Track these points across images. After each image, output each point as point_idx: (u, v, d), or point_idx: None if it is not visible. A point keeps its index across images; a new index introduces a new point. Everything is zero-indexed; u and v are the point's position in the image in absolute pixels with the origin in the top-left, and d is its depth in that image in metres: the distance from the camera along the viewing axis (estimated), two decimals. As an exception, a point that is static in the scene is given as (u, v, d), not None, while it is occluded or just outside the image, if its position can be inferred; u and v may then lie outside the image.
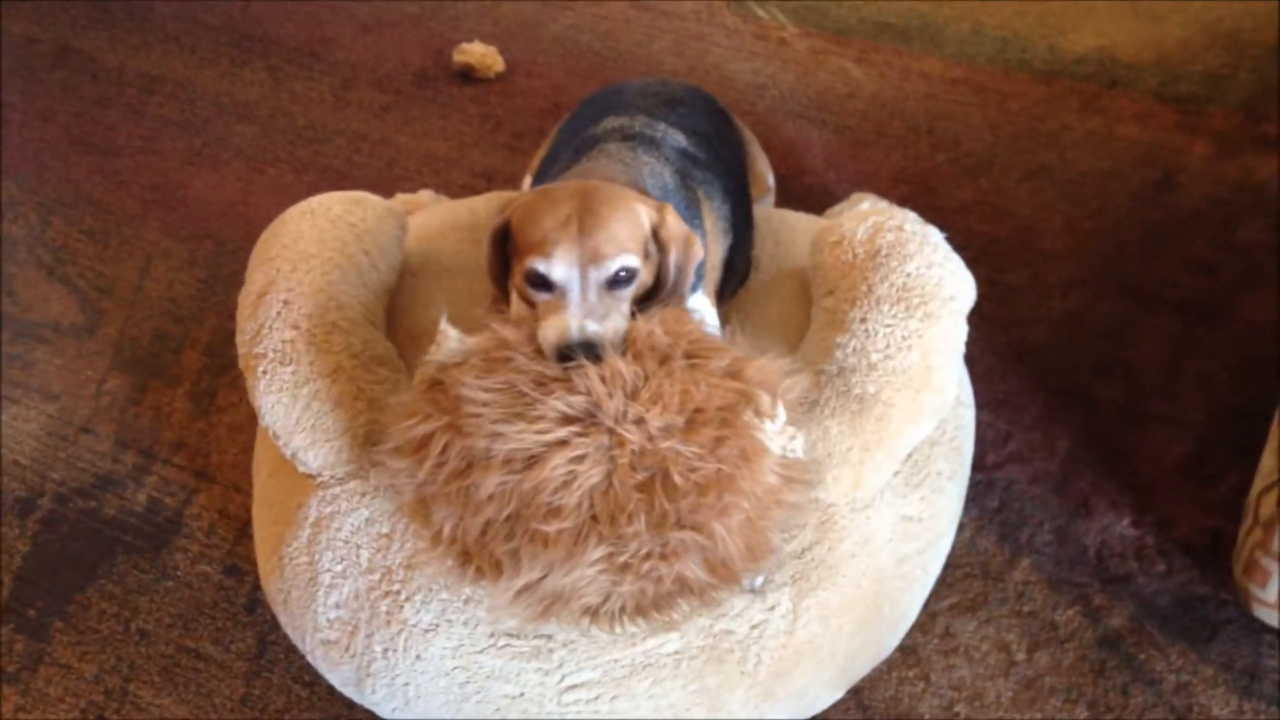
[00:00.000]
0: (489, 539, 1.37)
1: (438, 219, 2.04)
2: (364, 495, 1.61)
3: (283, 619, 1.69)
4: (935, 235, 1.69)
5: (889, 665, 1.73)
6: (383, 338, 1.72)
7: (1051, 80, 2.56)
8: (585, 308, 1.39)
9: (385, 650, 1.55)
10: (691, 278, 1.53)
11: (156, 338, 2.30)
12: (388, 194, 2.18)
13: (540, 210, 1.44)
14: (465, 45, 2.76)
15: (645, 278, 1.47)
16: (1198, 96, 2.48)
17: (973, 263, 1.71)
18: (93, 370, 2.27)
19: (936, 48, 2.67)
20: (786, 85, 2.64)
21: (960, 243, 1.73)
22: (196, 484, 2.06)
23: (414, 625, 1.54)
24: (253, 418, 2.00)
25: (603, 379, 1.35)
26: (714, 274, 1.71)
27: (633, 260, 1.42)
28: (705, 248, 1.66)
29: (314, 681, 1.78)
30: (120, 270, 2.44)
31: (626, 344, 1.40)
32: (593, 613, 1.38)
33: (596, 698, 1.50)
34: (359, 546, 1.59)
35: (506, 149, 2.58)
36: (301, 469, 1.65)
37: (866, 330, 1.60)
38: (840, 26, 2.75)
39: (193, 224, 2.52)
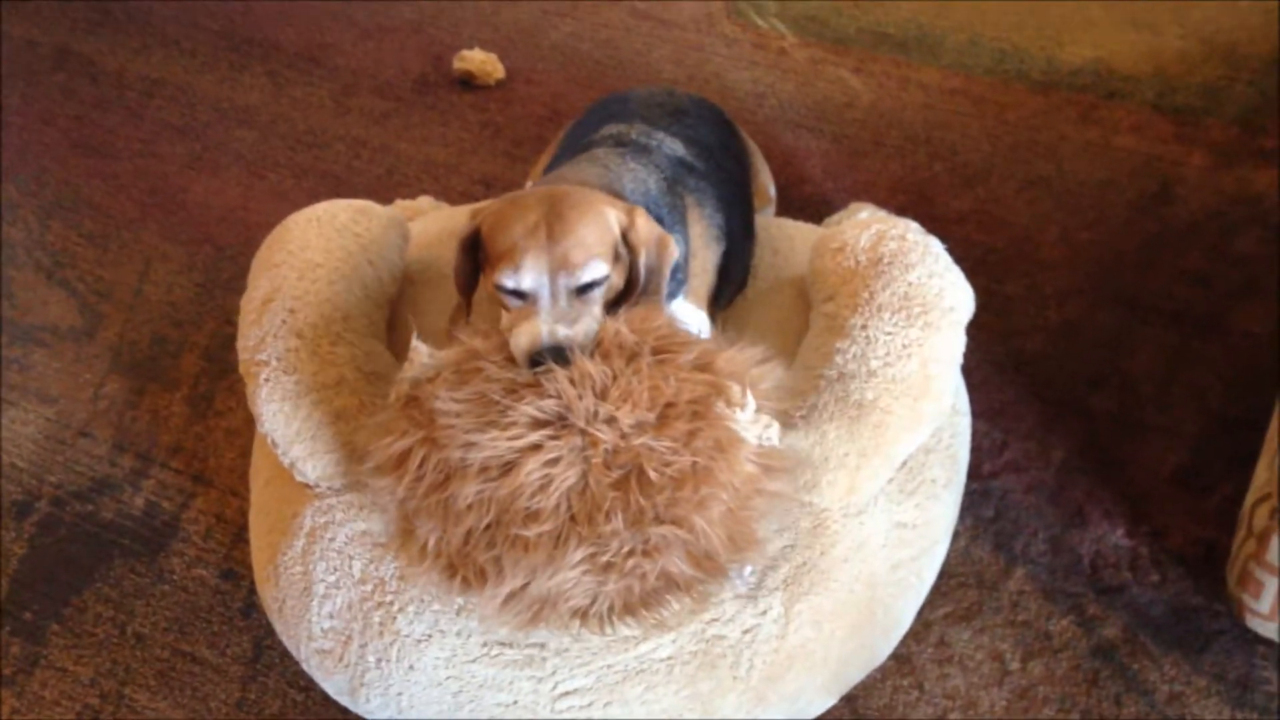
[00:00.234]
0: (471, 548, 1.38)
1: (437, 226, 2.04)
2: (360, 508, 1.61)
3: (278, 627, 1.70)
4: (937, 245, 1.70)
5: (883, 673, 1.73)
6: (385, 350, 1.73)
7: (1049, 91, 2.57)
8: (556, 313, 1.41)
9: (379, 660, 1.56)
10: (666, 279, 1.54)
11: (155, 341, 2.31)
12: (387, 200, 2.19)
13: (509, 218, 1.45)
14: (465, 52, 2.77)
15: (616, 281, 1.48)
16: (1195, 108, 2.49)
17: (970, 272, 1.72)
18: (91, 374, 2.27)
19: (935, 58, 2.68)
20: (785, 94, 2.65)
21: (957, 252, 1.74)
22: (193, 488, 2.06)
23: (407, 636, 1.54)
24: (250, 422, 2.00)
25: (572, 381, 1.36)
26: (704, 279, 1.72)
27: (601, 265, 1.44)
28: (689, 253, 1.67)
29: (309, 686, 1.78)
30: (119, 274, 2.45)
31: (594, 345, 1.41)
32: (582, 614, 1.39)
33: (589, 704, 1.51)
34: (352, 557, 1.59)
35: (506, 156, 2.59)
36: (299, 478, 1.66)
37: (867, 337, 1.61)
38: (839, 36, 2.76)
39: (192, 228, 2.52)
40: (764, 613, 1.54)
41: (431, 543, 1.41)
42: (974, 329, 1.71)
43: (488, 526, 1.37)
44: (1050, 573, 1.82)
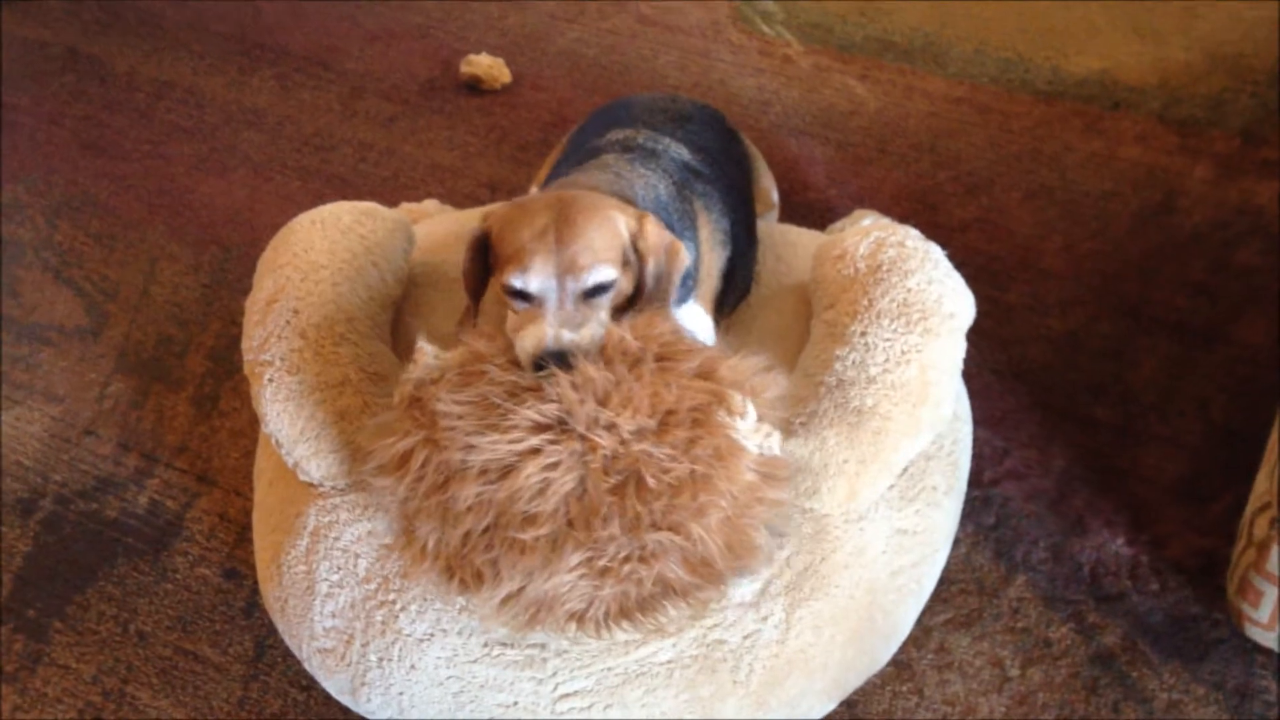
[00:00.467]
0: (469, 550, 1.38)
1: (442, 229, 2.05)
2: (365, 507, 1.62)
3: (280, 626, 1.70)
4: (936, 252, 1.71)
5: (883, 679, 1.73)
6: (388, 351, 1.73)
7: (1054, 101, 2.58)
8: (562, 317, 1.41)
9: (380, 659, 1.56)
10: (676, 285, 1.54)
11: (160, 341, 2.32)
12: (393, 203, 2.20)
13: (518, 221, 1.46)
14: (472, 56, 2.78)
15: (624, 286, 1.48)
16: (1199, 120, 2.50)
17: (972, 281, 1.72)
18: (96, 373, 2.28)
19: (940, 67, 2.69)
20: (790, 101, 2.65)
21: (960, 261, 1.75)
22: (198, 487, 2.07)
23: (409, 635, 1.55)
24: (254, 423, 2.01)
25: (574, 386, 1.37)
26: (710, 284, 1.73)
27: (609, 270, 1.44)
28: (699, 258, 1.68)
29: (311, 685, 1.79)
30: (125, 274, 2.46)
31: (598, 350, 1.42)
32: (578, 618, 1.39)
33: (590, 706, 1.51)
34: (357, 556, 1.60)
35: (512, 160, 2.60)
36: (303, 478, 1.66)
37: (866, 344, 1.61)
38: (844, 44, 2.77)
39: (199, 229, 2.54)
40: (765, 618, 1.54)
41: (431, 544, 1.42)
42: (976, 337, 1.71)
43: (486, 529, 1.38)
44: (1050, 580, 1.83)
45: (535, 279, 1.42)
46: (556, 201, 1.47)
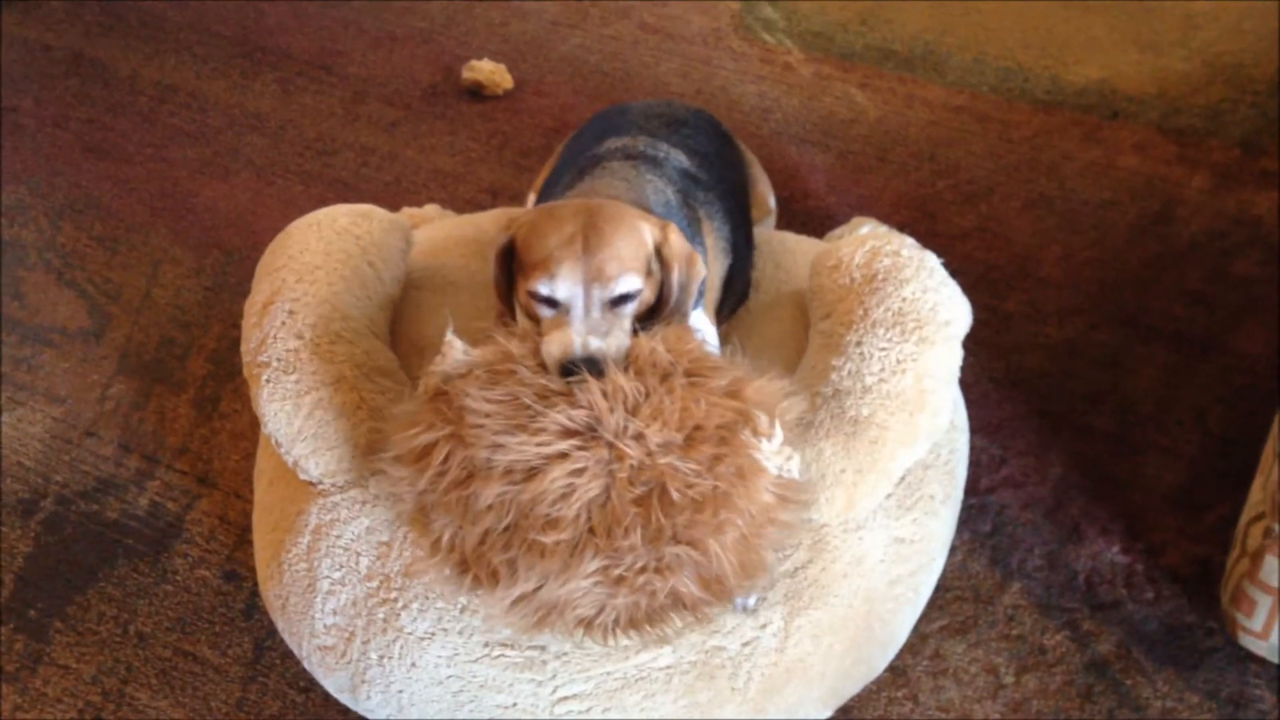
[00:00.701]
0: (487, 548, 1.39)
1: (443, 233, 2.06)
2: (363, 504, 1.62)
3: (280, 624, 1.71)
4: (932, 260, 1.70)
5: (878, 685, 1.74)
6: (385, 349, 1.74)
7: (1053, 110, 2.59)
8: (588, 324, 1.42)
9: (381, 657, 1.57)
10: (694, 296, 1.55)
11: (162, 344, 2.33)
12: (394, 207, 2.21)
13: (545, 228, 1.46)
14: (475, 62, 2.79)
15: (648, 295, 1.49)
16: (1198, 129, 2.51)
17: (971, 289, 1.73)
18: (98, 375, 2.29)
19: (940, 76, 2.70)
20: (791, 109, 2.67)
21: (959, 269, 1.76)
22: (198, 489, 2.07)
23: (410, 633, 1.56)
24: (255, 425, 2.02)
25: (604, 394, 1.37)
26: (713, 293, 1.73)
27: (636, 279, 1.45)
28: (706, 266, 1.68)
29: (309, 687, 1.80)
30: (128, 276, 2.47)
31: (629, 360, 1.42)
32: (587, 624, 1.40)
33: (589, 709, 1.52)
34: (358, 554, 1.61)
35: (513, 166, 2.61)
36: (302, 476, 1.67)
37: (862, 353, 1.62)
38: (845, 52, 2.78)
39: (201, 232, 2.54)
40: (763, 626, 1.55)
41: (446, 538, 1.42)
42: (974, 345, 1.72)
43: (506, 528, 1.38)
44: (1046, 588, 1.84)
45: (563, 286, 1.43)
46: (584, 210, 1.48)
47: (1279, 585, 1.60)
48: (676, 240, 1.51)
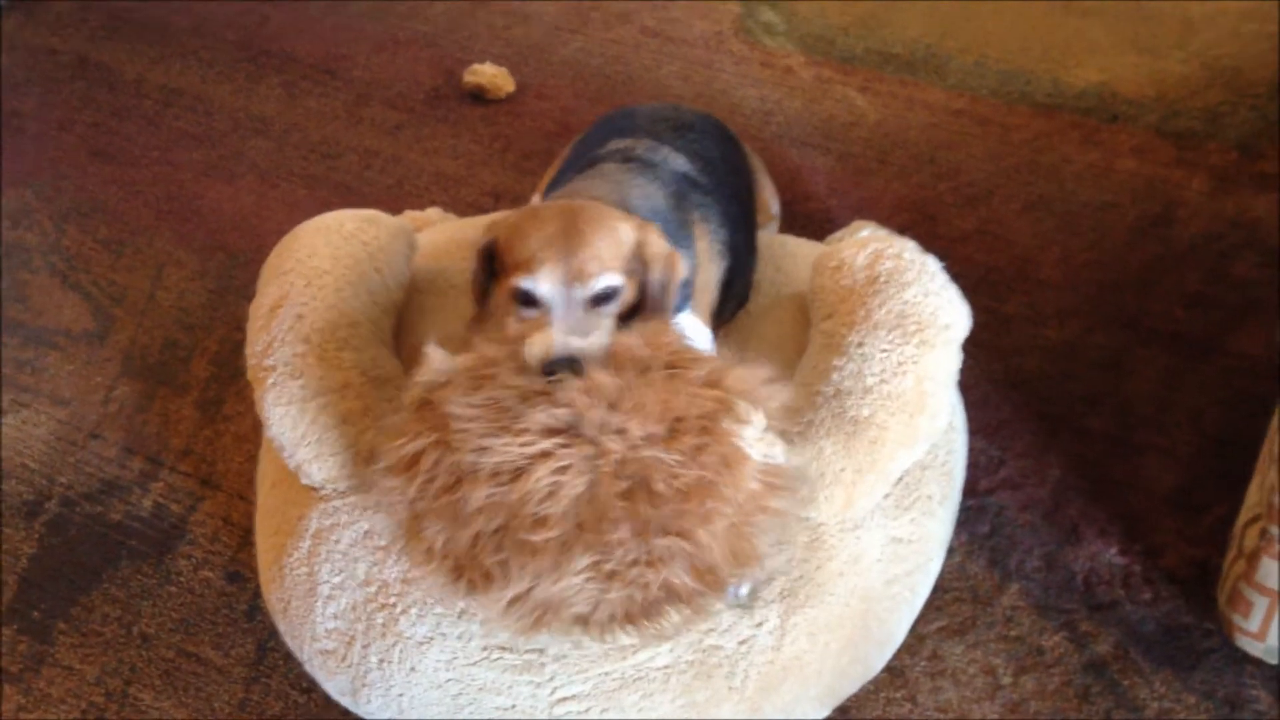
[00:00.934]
0: (479, 551, 1.39)
1: (445, 236, 2.07)
2: (364, 509, 1.63)
3: (282, 628, 1.72)
4: (933, 264, 1.72)
5: (876, 685, 1.74)
6: (391, 356, 1.75)
7: (1053, 113, 2.59)
8: (569, 324, 1.43)
9: (381, 661, 1.58)
10: (675, 295, 1.56)
11: (166, 346, 2.34)
12: (397, 210, 2.22)
13: (526, 229, 1.48)
14: (477, 66, 2.80)
15: (629, 295, 1.51)
16: (1197, 132, 2.51)
17: (970, 291, 1.74)
18: (103, 377, 2.30)
19: (940, 79, 2.71)
20: (792, 112, 2.67)
21: (959, 271, 1.76)
22: (202, 491, 2.09)
23: (409, 637, 1.57)
24: (258, 427, 2.03)
25: (585, 391, 1.38)
26: (708, 295, 1.74)
27: (615, 278, 1.47)
28: (695, 268, 1.70)
29: (311, 688, 1.80)
30: (132, 279, 2.48)
31: (608, 357, 1.44)
32: (584, 621, 1.40)
33: (587, 710, 1.53)
34: (357, 559, 1.62)
35: (515, 169, 2.62)
36: (305, 481, 1.68)
37: (863, 354, 1.63)
38: (846, 56, 2.79)
39: (205, 235, 2.56)
40: (760, 624, 1.56)
41: (439, 544, 1.43)
42: (973, 347, 1.73)
43: (496, 530, 1.38)
44: (1044, 589, 1.84)
45: (544, 284, 1.45)
46: (564, 210, 1.50)
47: (1276, 587, 1.60)
48: (656, 241, 1.53)
